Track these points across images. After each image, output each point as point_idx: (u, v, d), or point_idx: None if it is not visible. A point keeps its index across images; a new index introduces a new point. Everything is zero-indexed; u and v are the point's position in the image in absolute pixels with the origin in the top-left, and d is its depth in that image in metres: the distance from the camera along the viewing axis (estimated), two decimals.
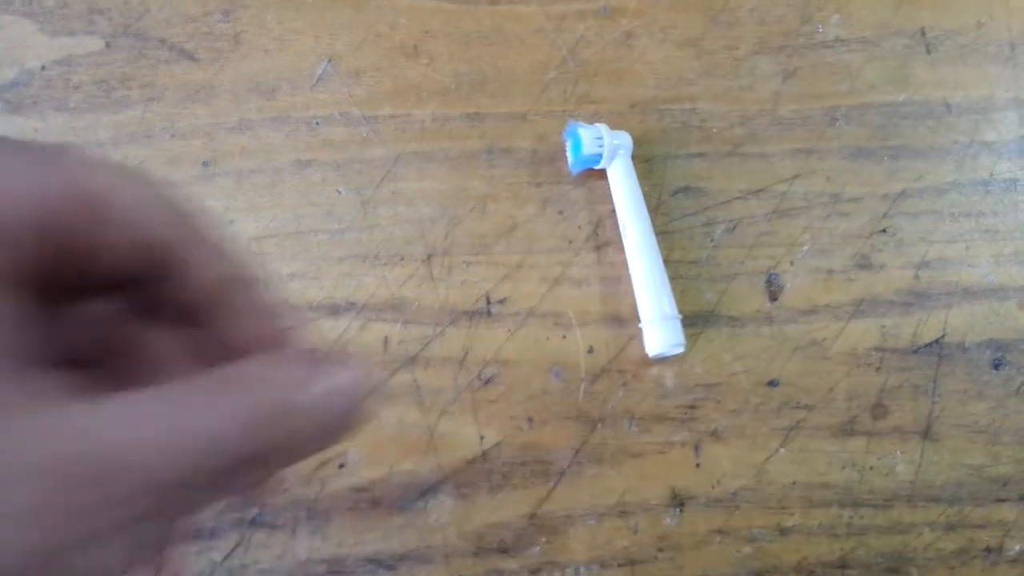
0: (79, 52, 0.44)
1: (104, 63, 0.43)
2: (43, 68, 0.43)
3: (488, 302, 0.42)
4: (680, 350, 0.40)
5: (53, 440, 0.13)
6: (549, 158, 0.43)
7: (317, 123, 0.43)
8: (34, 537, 0.13)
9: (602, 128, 0.41)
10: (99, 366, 0.18)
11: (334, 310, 0.41)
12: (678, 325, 0.40)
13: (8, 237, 0.15)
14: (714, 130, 0.44)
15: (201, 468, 0.15)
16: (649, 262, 0.41)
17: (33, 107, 0.43)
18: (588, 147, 0.41)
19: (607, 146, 0.41)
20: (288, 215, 0.42)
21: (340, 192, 0.42)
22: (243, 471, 0.15)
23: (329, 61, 0.44)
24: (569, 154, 0.42)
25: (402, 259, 0.42)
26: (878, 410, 0.41)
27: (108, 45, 0.44)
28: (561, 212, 0.43)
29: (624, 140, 0.42)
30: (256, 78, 0.44)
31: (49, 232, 0.15)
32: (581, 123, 0.42)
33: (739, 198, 0.43)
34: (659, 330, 0.40)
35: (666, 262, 0.42)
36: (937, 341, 0.42)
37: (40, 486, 0.13)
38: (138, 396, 0.15)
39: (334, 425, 0.17)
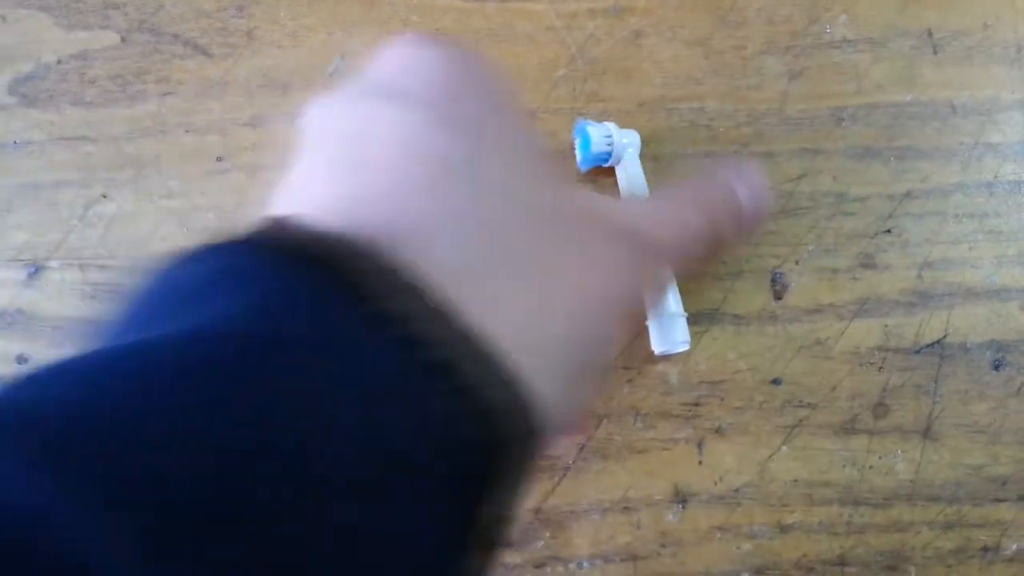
0: (95, 47, 0.44)
1: (119, 58, 0.44)
2: (59, 62, 0.44)
3: None
4: (685, 347, 0.41)
5: (616, 214, 0.21)
6: (559, 155, 0.44)
7: None
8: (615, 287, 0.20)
9: (611, 127, 0.42)
10: None
11: None
12: (683, 323, 0.41)
13: None
14: (721, 129, 0.44)
15: (685, 241, 0.22)
16: None
17: (49, 101, 0.44)
18: (597, 146, 0.41)
19: (616, 144, 0.41)
20: None
21: None
22: (704, 246, 0.22)
23: (341, 57, 0.44)
24: (578, 152, 0.42)
25: None
26: (880, 409, 0.42)
27: (123, 40, 0.44)
28: None
29: (632, 139, 0.42)
30: (269, 74, 0.44)
31: None
32: (590, 121, 0.42)
33: None
34: (665, 328, 0.40)
35: None
36: (939, 341, 0.42)
37: (617, 240, 0.20)
38: (633, 201, 0.26)
39: (756, 210, 0.24)
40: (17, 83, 0.44)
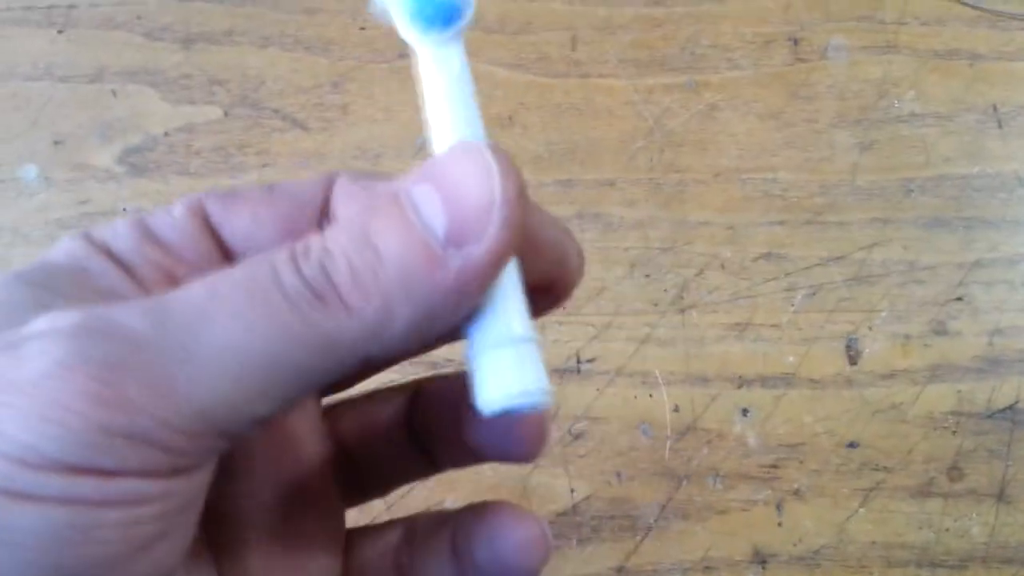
0: (199, 120, 0.47)
1: (222, 131, 0.47)
2: (166, 134, 0.47)
3: (578, 361, 0.44)
4: (542, 400, 0.18)
5: None
6: (637, 223, 0.46)
7: None
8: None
9: None
10: None
11: (432, 367, 0.44)
12: (532, 353, 0.18)
13: None
14: (794, 199, 0.46)
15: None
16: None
17: (156, 171, 0.46)
18: None
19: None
20: None
21: None
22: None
23: None
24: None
25: None
26: (954, 472, 0.43)
27: (226, 114, 0.47)
28: (648, 275, 0.45)
29: None
30: (362, 146, 0.47)
31: None
32: None
33: (819, 264, 0.45)
34: (502, 363, 0.18)
35: (748, 325, 0.44)
36: (1011, 407, 0.43)
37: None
38: None
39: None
40: (127, 154, 0.47)
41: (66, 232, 0.45)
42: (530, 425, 0.21)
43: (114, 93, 0.47)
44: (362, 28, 0.48)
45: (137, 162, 0.46)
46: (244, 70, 0.47)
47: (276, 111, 0.47)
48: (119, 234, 0.19)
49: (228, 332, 0.15)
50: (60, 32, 0.48)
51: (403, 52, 0.47)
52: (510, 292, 0.18)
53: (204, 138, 0.47)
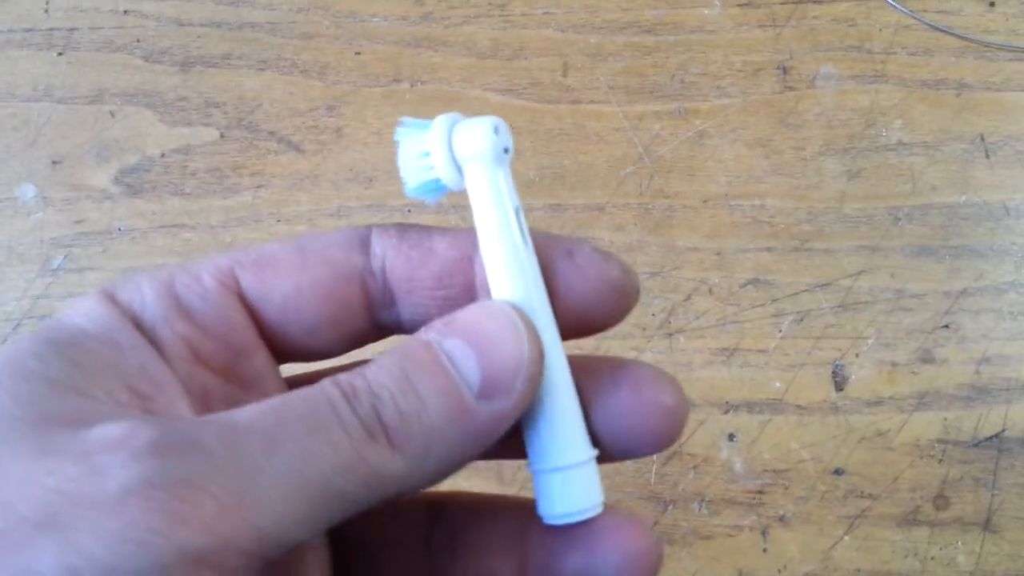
0: (196, 142, 0.48)
1: (218, 152, 0.47)
2: (162, 155, 0.47)
3: None
4: (596, 512, 0.20)
5: None
6: (626, 248, 0.46)
7: (409, 211, 0.47)
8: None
9: (443, 124, 0.20)
10: None
11: None
12: (593, 472, 0.20)
13: None
14: (782, 225, 0.46)
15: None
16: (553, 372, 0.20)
17: (152, 191, 0.47)
18: (411, 171, 0.21)
19: (443, 155, 0.20)
20: None
21: None
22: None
23: None
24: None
25: None
26: (940, 501, 0.43)
27: (222, 136, 0.48)
28: None
29: (488, 142, 0.20)
30: (356, 168, 0.47)
31: None
32: (421, 121, 0.21)
33: (806, 291, 0.45)
34: (565, 485, 0.20)
35: (735, 351, 0.45)
36: (997, 435, 0.44)
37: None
38: None
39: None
40: (123, 174, 0.47)
41: (61, 251, 0.46)
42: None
43: (112, 114, 0.48)
44: (357, 53, 0.49)
45: (133, 182, 0.47)
46: (241, 93, 0.48)
47: (271, 133, 0.48)
48: (147, 302, 0.19)
49: (293, 459, 0.15)
50: (60, 54, 0.48)
51: (396, 77, 0.48)
52: (570, 413, 0.20)
53: (200, 159, 0.47)
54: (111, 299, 0.19)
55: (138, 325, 0.18)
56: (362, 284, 0.20)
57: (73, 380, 0.17)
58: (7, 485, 0.15)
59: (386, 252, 0.20)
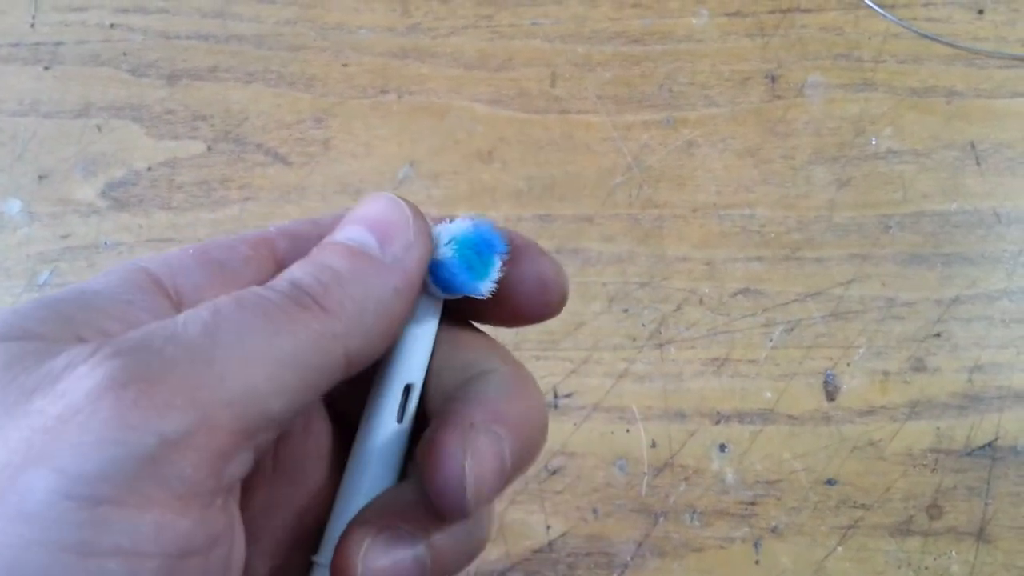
0: (182, 155, 0.47)
1: (205, 165, 0.47)
2: (149, 169, 0.47)
3: (555, 395, 0.44)
4: None
5: None
6: (615, 258, 0.46)
7: None
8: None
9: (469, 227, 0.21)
10: None
11: None
12: None
13: None
14: (772, 235, 0.46)
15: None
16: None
17: (139, 205, 0.47)
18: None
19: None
20: None
21: None
22: None
23: (410, 165, 0.47)
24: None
25: None
26: (933, 510, 0.43)
27: (209, 149, 0.47)
28: (626, 310, 0.45)
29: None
30: (343, 180, 0.47)
31: None
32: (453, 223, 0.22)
33: (797, 300, 0.45)
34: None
35: (726, 361, 0.44)
36: (990, 444, 0.43)
37: None
38: None
39: None
40: (109, 188, 0.47)
41: (47, 266, 0.46)
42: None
43: (99, 128, 0.48)
44: (344, 65, 0.48)
45: (120, 196, 0.47)
46: (228, 106, 0.48)
47: (259, 146, 0.47)
48: (175, 268, 0.20)
49: (238, 338, 0.17)
50: (46, 68, 0.48)
51: (384, 89, 0.48)
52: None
53: (187, 172, 0.47)
54: (143, 269, 0.20)
55: (160, 288, 0.19)
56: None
57: (61, 334, 0.17)
58: None
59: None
